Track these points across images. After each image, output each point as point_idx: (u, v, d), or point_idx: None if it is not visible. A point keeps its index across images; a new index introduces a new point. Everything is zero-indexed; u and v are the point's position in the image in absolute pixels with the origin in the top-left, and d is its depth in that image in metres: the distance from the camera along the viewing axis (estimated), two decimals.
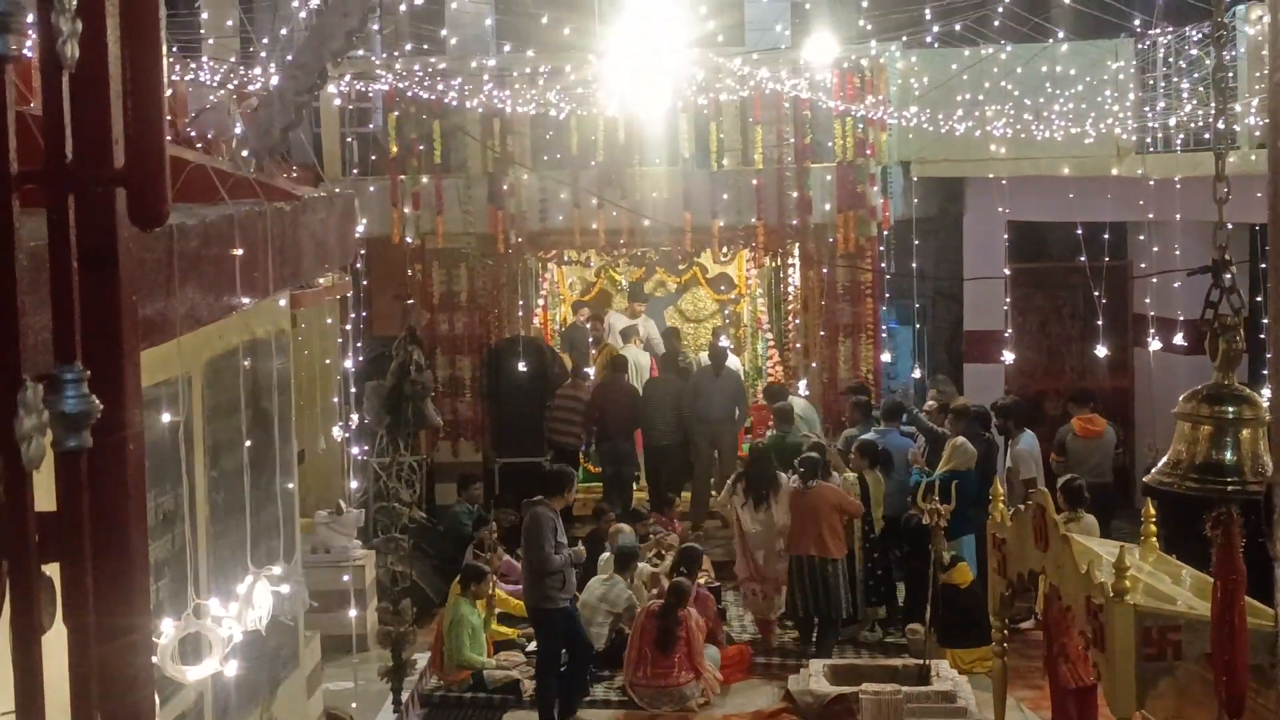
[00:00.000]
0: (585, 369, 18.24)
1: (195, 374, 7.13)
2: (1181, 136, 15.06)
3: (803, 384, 18.10)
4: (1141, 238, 16.87)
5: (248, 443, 7.54)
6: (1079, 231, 15.41)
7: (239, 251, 5.45)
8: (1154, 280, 15.89)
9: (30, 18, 2.24)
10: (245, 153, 6.37)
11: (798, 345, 18.59)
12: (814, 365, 17.92)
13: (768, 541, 13.84)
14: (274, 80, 8.55)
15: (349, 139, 17.88)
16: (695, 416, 17.32)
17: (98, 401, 2.33)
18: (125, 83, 2.44)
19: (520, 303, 18.92)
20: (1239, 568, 5.77)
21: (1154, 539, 8.73)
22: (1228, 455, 5.56)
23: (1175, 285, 14.77)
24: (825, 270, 17.65)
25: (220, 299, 5.44)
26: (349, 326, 13.22)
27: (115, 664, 2.45)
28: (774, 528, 13.75)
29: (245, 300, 5.64)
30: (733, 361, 18.82)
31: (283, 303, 8.80)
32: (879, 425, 15.16)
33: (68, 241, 2.37)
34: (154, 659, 5.60)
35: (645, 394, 17.62)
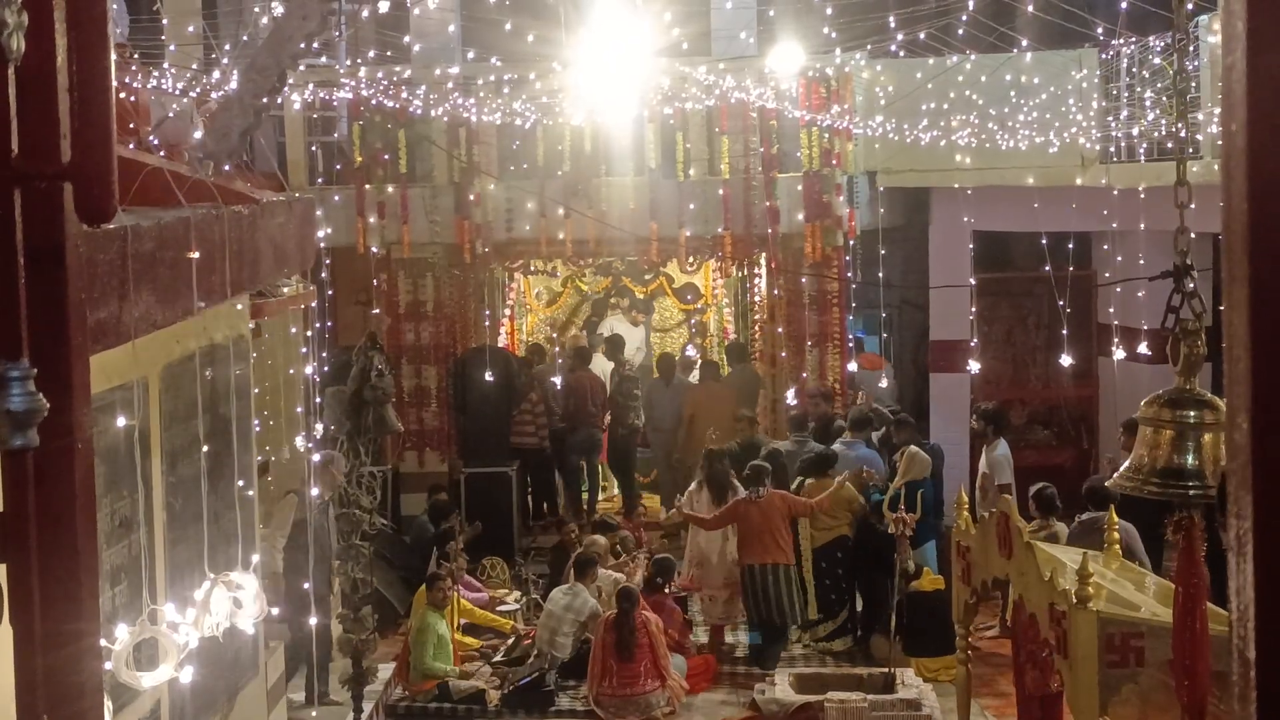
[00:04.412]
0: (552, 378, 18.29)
1: (152, 379, 7.07)
2: (1145, 146, 15.11)
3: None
4: (1106, 247, 16.93)
5: (205, 449, 7.48)
6: (1044, 241, 15.44)
7: (195, 254, 5.41)
8: (1118, 289, 15.94)
9: None
10: (202, 155, 6.32)
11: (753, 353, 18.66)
12: (779, 374, 17.94)
13: (705, 549, 13.91)
14: (234, 84, 8.50)
15: (314, 148, 17.82)
16: (651, 427, 17.55)
17: (45, 400, 2.29)
18: (72, 76, 2.41)
19: (486, 312, 18.88)
20: (1201, 573, 5.77)
21: (1117, 546, 8.75)
22: (1189, 459, 5.56)
23: (1139, 294, 14.82)
24: (792, 279, 17.66)
25: (176, 302, 5.39)
26: (311, 335, 13.15)
27: (63, 669, 2.40)
28: (710, 536, 13.84)
29: (201, 304, 5.59)
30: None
31: (241, 307, 8.75)
32: (845, 436, 15.18)
33: (14, 237, 2.34)
34: (108, 665, 5.55)
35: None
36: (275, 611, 8.34)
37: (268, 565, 11.84)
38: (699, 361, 19.39)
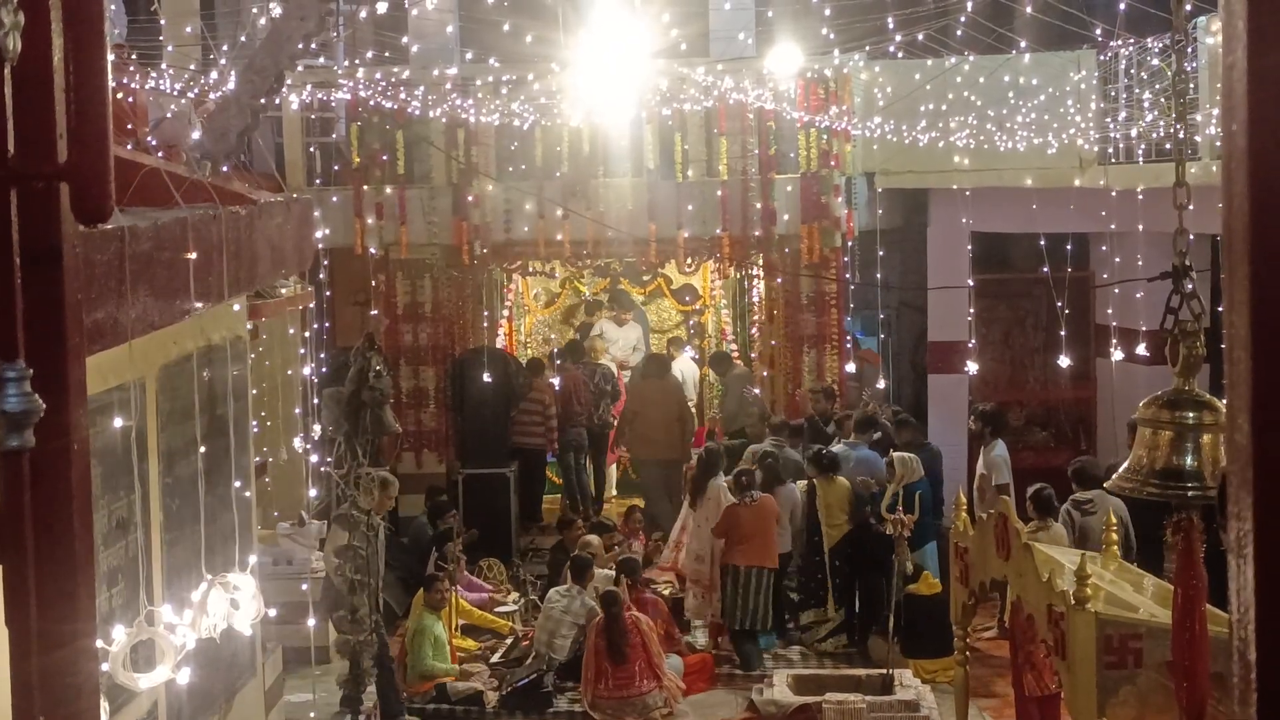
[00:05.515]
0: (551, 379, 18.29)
1: (149, 379, 7.06)
2: (1143, 147, 15.11)
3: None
4: (1104, 248, 16.93)
5: (202, 449, 7.47)
6: (1042, 242, 15.44)
7: (192, 255, 5.40)
8: (1116, 291, 15.93)
9: None
10: (200, 156, 6.31)
11: (754, 355, 18.68)
12: (777, 375, 17.94)
13: (700, 544, 13.98)
14: (232, 85, 8.50)
15: (312, 149, 17.81)
16: None
17: (41, 401, 2.28)
18: (68, 76, 2.40)
19: (485, 314, 18.87)
20: (1200, 574, 5.76)
21: (1115, 547, 8.74)
22: (1188, 460, 5.54)
23: (1137, 295, 14.82)
24: (790, 280, 17.65)
25: (173, 303, 5.38)
26: (309, 335, 13.16)
27: (60, 671, 2.40)
28: (703, 529, 13.97)
29: (199, 304, 5.58)
30: (690, 372, 19.15)
31: (238, 308, 8.74)
32: (848, 438, 15.23)
33: (10, 237, 2.33)
34: (105, 666, 5.54)
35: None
36: (273, 613, 8.32)
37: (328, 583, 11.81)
38: (642, 359, 19.42)
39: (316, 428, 12.20)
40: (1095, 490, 12.81)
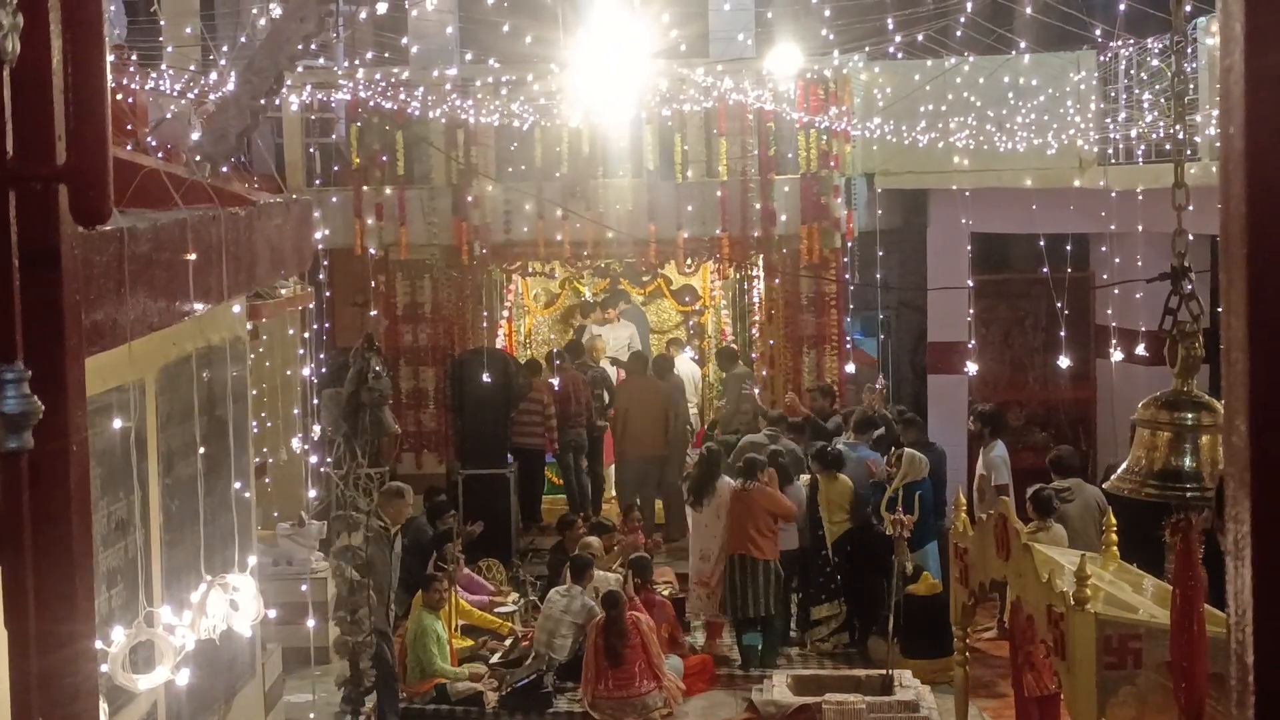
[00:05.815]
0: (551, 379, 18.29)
1: (149, 380, 7.06)
2: (1143, 148, 15.11)
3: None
4: (1103, 249, 16.92)
5: (202, 450, 7.47)
6: (1041, 243, 15.43)
7: (192, 256, 5.40)
8: (1115, 291, 15.94)
9: None
10: (199, 157, 6.32)
11: (754, 355, 18.67)
12: (777, 376, 17.94)
13: (704, 542, 13.96)
14: (231, 85, 8.50)
15: (311, 149, 17.81)
16: None
17: (39, 402, 2.28)
18: (67, 78, 2.40)
19: (484, 314, 18.87)
20: (1198, 575, 5.77)
21: (1115, 548, 8.75)
22: (1187, 461, 5.55)
23: (1137, 296, 14.81)
24: (790, 281, 17.64)
25: (172, 304, 5.38)
26: (309, 336, 13.16)
27: (58, 672, 2.40)
28: (709, 529, 13.89)
29: (198, 305, 5.58)
30: (690, 373, 19.12)
31: (238, 309, 8.74)
32: (849, 437, 15.22)
33: (8, 239, 2.33)
34: (104, 667, 5.54)
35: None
36: (273, 614, 8.32)
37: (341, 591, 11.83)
38: (627, 357, 19.43)
39: (316, 428, 12.20)
40: (1073, 479, 13.05)
